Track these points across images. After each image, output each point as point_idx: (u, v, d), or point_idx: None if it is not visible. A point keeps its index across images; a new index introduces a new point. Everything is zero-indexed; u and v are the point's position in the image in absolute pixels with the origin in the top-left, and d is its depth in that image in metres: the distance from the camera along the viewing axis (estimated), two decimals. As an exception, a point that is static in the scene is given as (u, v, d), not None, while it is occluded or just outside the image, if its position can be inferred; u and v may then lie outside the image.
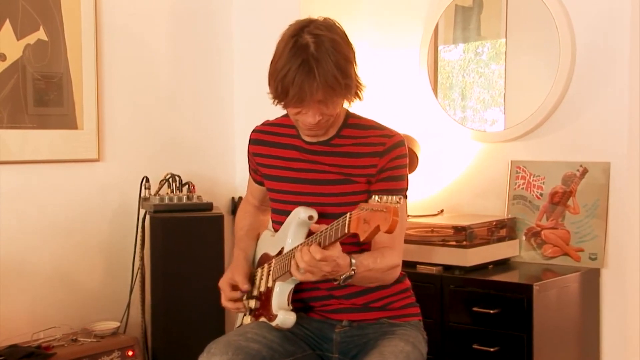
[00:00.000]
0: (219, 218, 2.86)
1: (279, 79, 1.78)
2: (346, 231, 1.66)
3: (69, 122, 2.92)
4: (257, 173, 2.13)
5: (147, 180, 2.99)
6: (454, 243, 2.65)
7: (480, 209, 3.03)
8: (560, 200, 2.82)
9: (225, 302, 2.04)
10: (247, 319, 2.04)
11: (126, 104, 3.10)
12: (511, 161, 2.96)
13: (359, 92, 1.87)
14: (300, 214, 1.90)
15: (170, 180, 2.98)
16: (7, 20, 2.75)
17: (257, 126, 2.12)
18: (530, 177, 2.90)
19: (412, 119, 3.21)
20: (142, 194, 2.99)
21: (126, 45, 3.10)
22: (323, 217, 1.90)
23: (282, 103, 1.83)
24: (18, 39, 2.78)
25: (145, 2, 3.16)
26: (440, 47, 3.25)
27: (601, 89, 2.75)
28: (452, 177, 3.14)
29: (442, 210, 3.08)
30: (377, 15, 3.38)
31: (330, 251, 1.73)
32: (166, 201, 2.89)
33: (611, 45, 2.72)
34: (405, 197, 1.96)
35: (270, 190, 2.07)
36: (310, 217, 1.89)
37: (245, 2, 3.40)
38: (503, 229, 2.82)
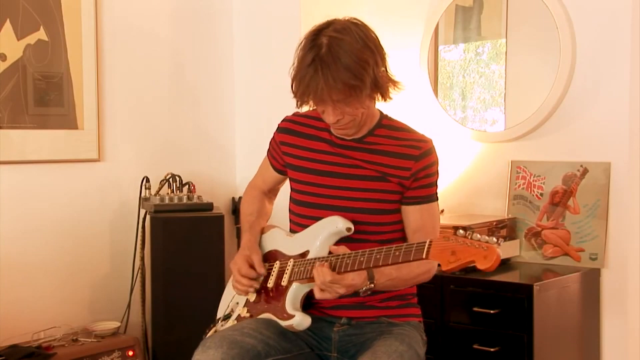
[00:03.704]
0: (219, 218, 2.86)
1: (293, 77, 1.84)
2: (424, 257, 1.66)
3: (69, 122, 2.92)
4: (278, 161, 2.12)
5: (148, 180, 2.99)
6: (454, 243, 2.64)
7: (481, 209, 3.03)
8: (560, 200, 2.82)
9: (239, 277, 2.00)
10: (244, 311, 2.03)
11: (126, 104, 3.11)
12: (511, 161, 2.96)
13: (383, 92, 1.89)
14: (339, 224, 1.88)
15: (171, 180, 2.98)
16: (8, 20, 2.75)
17: (287, 116, 2.12)
18: (530, 177, 2.90)
19: (413, 119, 3.20)
20: (143, 194, 2.99)
21: (126, 46, 3.10)
22: (349, 212, 1.91)
23: (297, 100, 1.87)
24: (18, 39, 2.78)
25: (146, 2, 3.16)
26: (440, 47, 3.25)
27: (602, 89, 2.75)
28: (452, 177, 3.14)
29: (442, 211, 3.07)
30: (377, 15, 3.37)
31: (345, 275, 1.77)
32: (166, 201, 2.89)
33: (611, 45, 2.72)
34: (437, 198, 2.00)
35: (295, 180, 2.06)
36: (349, 229, 1.88)
37: (245, 2, 3.40)
38: (503, 229, 2.82)
